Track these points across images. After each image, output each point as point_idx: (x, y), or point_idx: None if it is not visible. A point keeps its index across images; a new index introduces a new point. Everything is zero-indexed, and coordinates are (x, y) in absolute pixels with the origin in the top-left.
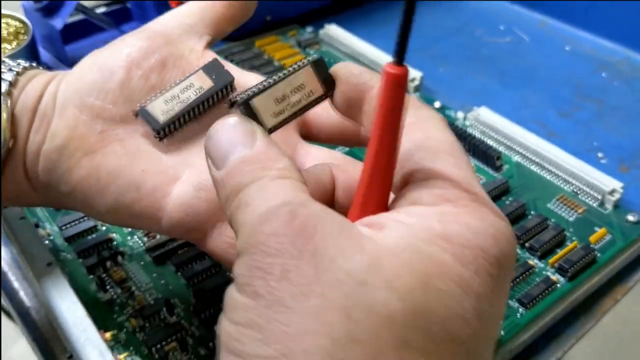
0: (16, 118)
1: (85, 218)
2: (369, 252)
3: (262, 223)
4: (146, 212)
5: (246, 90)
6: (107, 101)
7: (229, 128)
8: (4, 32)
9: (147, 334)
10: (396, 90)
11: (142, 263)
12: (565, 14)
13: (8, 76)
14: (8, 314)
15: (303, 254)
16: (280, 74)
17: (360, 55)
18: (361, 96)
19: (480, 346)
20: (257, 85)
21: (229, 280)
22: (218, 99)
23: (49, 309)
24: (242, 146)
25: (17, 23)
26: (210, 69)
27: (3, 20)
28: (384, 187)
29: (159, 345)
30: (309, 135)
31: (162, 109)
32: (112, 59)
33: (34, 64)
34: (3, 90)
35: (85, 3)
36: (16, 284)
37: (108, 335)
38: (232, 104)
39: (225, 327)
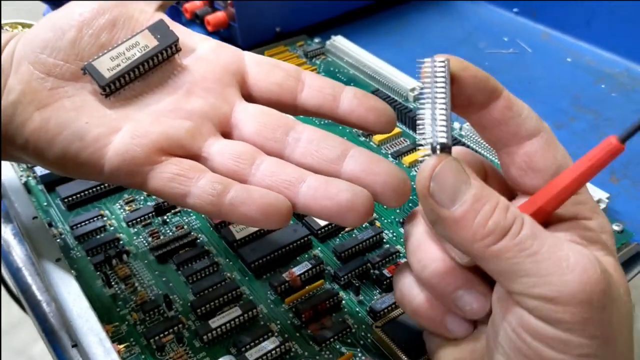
0: None
1: (95, 218)
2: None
3: (596, 297)
4: (89, 160)
5: (436, 127)
6: (58, 58)
7: (451, 170)
8: None
9: (146, 327)
10: (608, 158)
11: (145, 261)
12: (567, 25)
13: None
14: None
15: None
16: (443, 95)
17: (364, 65)
18: (486, 100)
19: None
20: (437, 118)
21: (225, 279)
22: (163, 58)
23: (57, 301)
24: (465, 185)
25: None
26: (156, 28)
27: (26, 29)
28: (559, 204)
29: (157, 337)
30: (248, 97)
31: (108, 65)
32: (65, 18)
33: None
34: None
35: None
36: (29, 279)
37: (110, 327)
38: (435, 150)
39: None
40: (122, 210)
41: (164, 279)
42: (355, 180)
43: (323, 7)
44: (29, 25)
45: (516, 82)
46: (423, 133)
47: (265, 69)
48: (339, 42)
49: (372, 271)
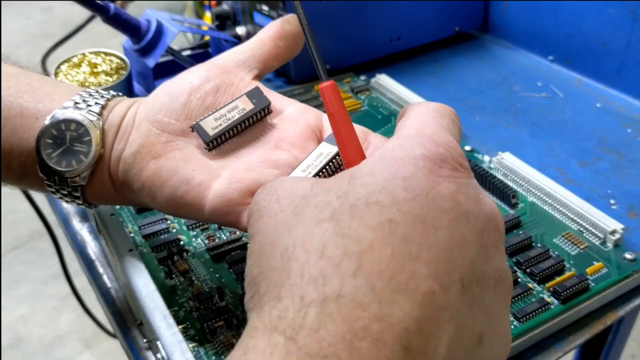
0: (105, 132)
1: (160, 221)
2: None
3: None
4: (193, 201)
5: None
6: (172, 117)
7: None
8: (108, 67)
9: (201, 314)
10: (334, 94)
11: (202, 260)
12: (599, 73)
13: (101, 101)
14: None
15: None
16: None
17: (405, 102)
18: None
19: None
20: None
21: None
22: (256, 119)
23: (128, 284)
24: None
25: (118, 60)
26: (252, 94)
27: (107, 57)
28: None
29: (209, 322)
30: None
31: (212, 125)
32: (178, 85)
33: (120, 94)
34: (97, 111)
35: (174, 46)
36: (101, 270)
37: (170, 311)
38: None
39: None
40: None
41: (217, 275)
42: None
43: (370, 49)
44: (111, 54)
45: (545, 123)
46: None
47: None
48: (383, 80)
49: None
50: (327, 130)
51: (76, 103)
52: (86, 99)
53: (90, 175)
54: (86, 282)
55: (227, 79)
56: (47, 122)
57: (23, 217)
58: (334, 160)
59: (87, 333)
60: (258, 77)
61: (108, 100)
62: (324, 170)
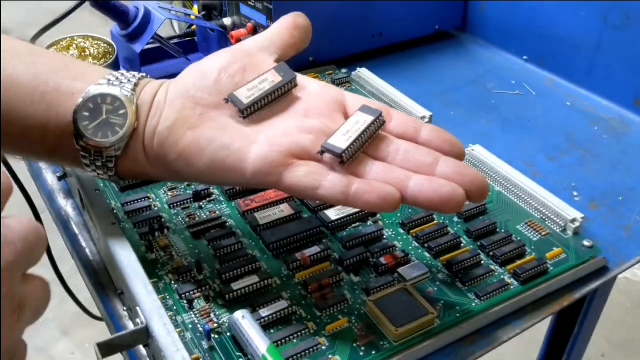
0: (138, 108)
1: (143, 199)
2: None
3: None
4: (234, 165)
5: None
6: (205, 93)
7: None
8: (95, 51)
9: (179, 286)
10: None
11: (182, 236)
12: (571, 73)
13: (133, 80)
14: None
15: None
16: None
17: (384, 95)
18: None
19: None
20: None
21: (247, 255)
22: (286, 90)
23: (110, 255)
24: None
25: (106, 45)
26: (280, 69)
27: (95, 42)
28: None
29: (187, 294)
30: None
31: (246, 95)
32: (208, 65)
33: (148, 75)
34: (130, 88)
35: (162, 33)
36: (84, 243)
37: (150, 282)
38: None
39: None
40: (165, 195)
41: (196, 251)
42: (448, 180)
43: (352, 43)
44: (99, 39)
45: (516, 119)
46: None
47: (361, 103)
48: (363, 74)
49: (370, 259)
50: (351, 106)
51: (109, 80)
52: (119, 77)
53: (124, 148)
54: (69, 268)
55: (251, 60)
56: (83, 96)
57: (9, 204)
58: (371, 127)
59: (65, 320)
60: (279, 60)
61: (139, 79)
62: (363, 134)
